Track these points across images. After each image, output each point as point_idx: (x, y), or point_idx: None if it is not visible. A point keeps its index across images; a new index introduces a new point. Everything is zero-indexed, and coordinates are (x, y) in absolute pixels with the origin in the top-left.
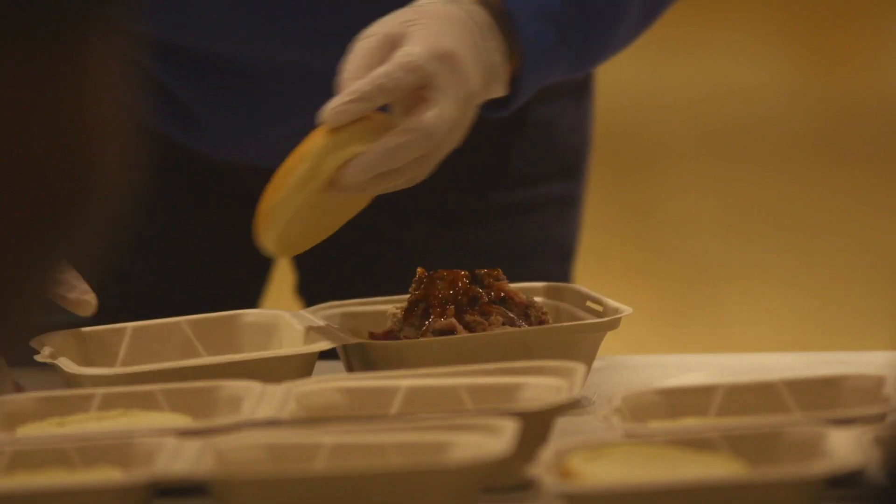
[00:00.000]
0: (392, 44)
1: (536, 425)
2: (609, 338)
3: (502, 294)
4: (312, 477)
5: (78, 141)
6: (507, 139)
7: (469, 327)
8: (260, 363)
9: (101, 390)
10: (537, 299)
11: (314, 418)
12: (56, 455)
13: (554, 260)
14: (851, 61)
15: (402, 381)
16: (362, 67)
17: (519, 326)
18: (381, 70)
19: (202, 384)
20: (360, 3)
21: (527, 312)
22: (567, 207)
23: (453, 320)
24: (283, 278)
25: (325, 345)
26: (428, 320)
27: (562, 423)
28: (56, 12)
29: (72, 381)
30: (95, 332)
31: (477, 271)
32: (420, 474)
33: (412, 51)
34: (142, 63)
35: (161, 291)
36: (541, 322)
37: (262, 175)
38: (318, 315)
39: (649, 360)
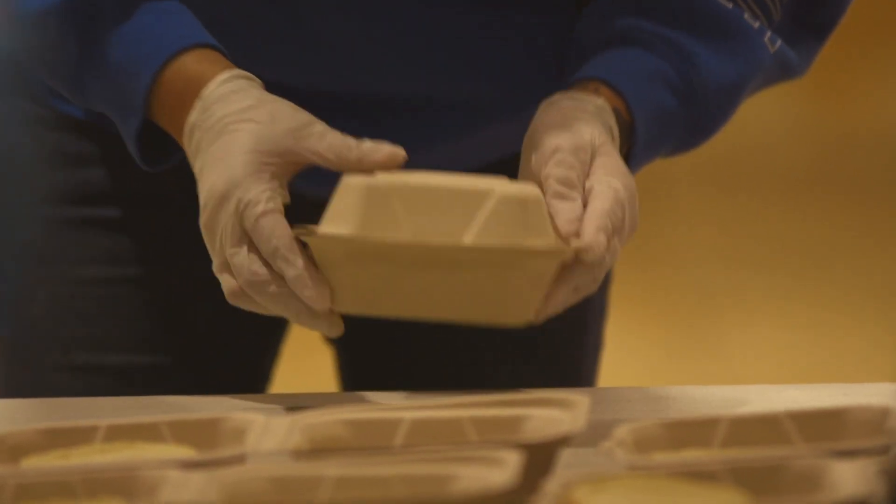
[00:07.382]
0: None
1: (540, 457)
2: (612, 369)
3: None
4: None
5: None
6: None
7: None
8: None
9: (104, 422)
10: None
11: (318, 450)
12: (60, 487)
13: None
14: (850, 93)
15: (407, 413)
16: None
17: None
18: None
19: (206, 417)
20: (481, 34)
21: None
22: None
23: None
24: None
25: None
26: None
27: (565, 456)
28: None
29: None
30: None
31: None
32: None
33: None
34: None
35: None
36: None
37: None
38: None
39: (652, 393)
